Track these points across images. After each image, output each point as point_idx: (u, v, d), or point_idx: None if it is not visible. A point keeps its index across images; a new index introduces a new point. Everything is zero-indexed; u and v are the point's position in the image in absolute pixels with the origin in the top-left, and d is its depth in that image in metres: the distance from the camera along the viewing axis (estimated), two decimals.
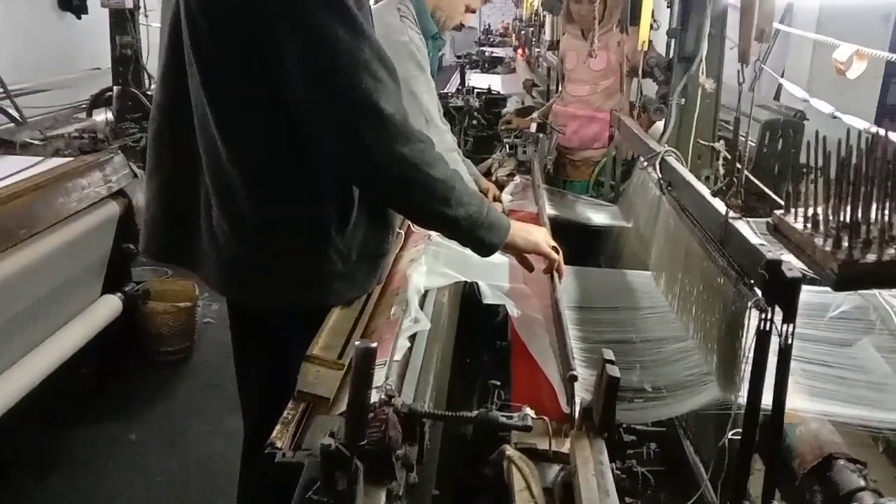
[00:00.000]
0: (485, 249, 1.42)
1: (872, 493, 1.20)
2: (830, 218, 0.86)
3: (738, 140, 1.24)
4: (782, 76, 6.89)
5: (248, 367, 1.55)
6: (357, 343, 0.89)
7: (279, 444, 1.09)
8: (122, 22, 4.06)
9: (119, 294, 2.99)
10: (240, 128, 1.30)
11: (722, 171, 2.84)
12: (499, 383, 1.10)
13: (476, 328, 1.77)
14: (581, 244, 2.28)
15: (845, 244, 0.82)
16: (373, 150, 1.23)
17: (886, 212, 0.85)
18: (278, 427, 1.13)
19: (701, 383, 1.31)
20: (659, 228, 1.83)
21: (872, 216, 0.85)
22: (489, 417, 1.05)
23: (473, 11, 2.40)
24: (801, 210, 0.94)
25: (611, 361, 1.04)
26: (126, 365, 3.21)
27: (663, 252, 1.76)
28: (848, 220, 0.83)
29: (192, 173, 1.40)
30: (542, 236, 1.52)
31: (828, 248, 0.82)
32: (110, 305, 2.94)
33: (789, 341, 1.08)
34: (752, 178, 2.09)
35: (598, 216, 2.41)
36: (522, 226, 1.50)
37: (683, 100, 2.77)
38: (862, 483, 1.23)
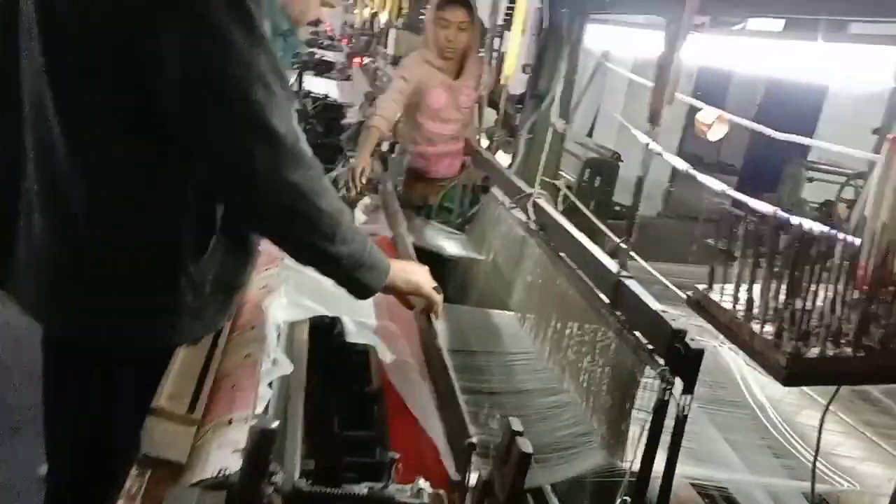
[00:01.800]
0: (363, 291, 1.29)
1: None
2: (768, 303, 0.84)
3: (638, 199, 1.23)
4: (596, 117, 7.37)
5: (60, 415, 1.28)
6: (252, 423, 0.72)
7: None
8: None
9: None
10: (90, 127, 1.07)
11: (561, 207, 2.93)
12: (397, 456, 0.98)
13: (330, 367, 1.61)
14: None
15: (785, 333, 0.80)
16: (259, 174, 1.06)
17: (809, 298, 0.84)
18: (121, 503, 0.92)
19: (580, 446, 1.27)
20: (525, 269, 1.80)
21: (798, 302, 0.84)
22: (384, 497, 0.92)
23: (332, 6, 2.24)
24: (724, 287, 0.92)
25: (519, 433, 0.96)
26: None
27: (531, 294, 1.73)
28: (787, 307, 0.81)
29: (10, 171, 1.14)
30: (423, 277, 1.42)
31: (769, 338, 0.79)
32: None
33: (686, 412, 1.07)
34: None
35: (451, 245, 2.35)
36: (402, 266, 1.39)
37: (531, 136, 2.82)
38: None
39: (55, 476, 1.32)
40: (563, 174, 4.20)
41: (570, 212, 2.81)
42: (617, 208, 4.73)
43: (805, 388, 1.65)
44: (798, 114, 6.36)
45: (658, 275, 1.59)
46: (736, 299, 0.88)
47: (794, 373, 0.76)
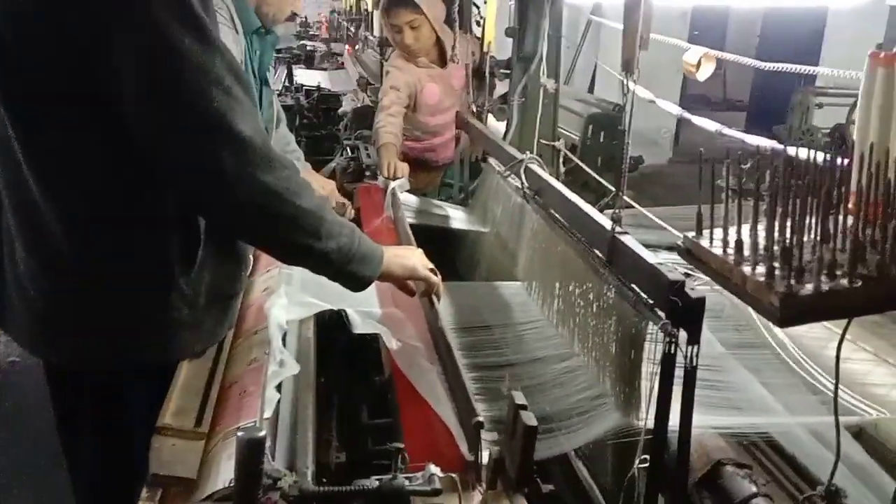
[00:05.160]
0: (358, 283, 1.27)
1: (766, 499, 1.20)
2: (758, 243, 0.80)
3: (625, 156, 1.19)
4: (595, 69, 7.25)
5: (75, 445, 1.29)
6: (239, 433, 0.71)
7: None
8: None
9: None
10: (56, 153, 1.06)
11: (563, 168, 2.88)
12: (402, 446, 0.97)
13: (340, 361, 1.60)
14: (436, 251, 2.19)
15: (777, 272, 0.76)
16: (231, 180, 1.04)
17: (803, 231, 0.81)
18: None
19: (596, 408, 1.25)
20: (526, 237, 1.77)
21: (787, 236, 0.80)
22: (394, 487, 0.91)
23: None
24: (715, 233, 0.89)
25: (523, 406, 0.94)
26: None
27: (534, 262, 1.70)
28: (778, 245, 0.78)
29: None
30: (418, 260, 1.40)
31: (761, 279, 0.76)
32: None
33: (695, 363, 1.04)
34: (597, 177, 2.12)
35: (456, 218, 2.33)
36: (396, 251, 1.37)
37: (524, 99, 2.76)
38: (754, 489, 1.23)
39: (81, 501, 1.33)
40: (568, 133, 4.14)
41: (577, 171, 2.76)
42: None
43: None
44: (800, 40, 6.21)
45: (657, 219, 1.55)
46: (726, 243, 0.85)
47: (789, 314, 0.73)
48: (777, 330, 1.62)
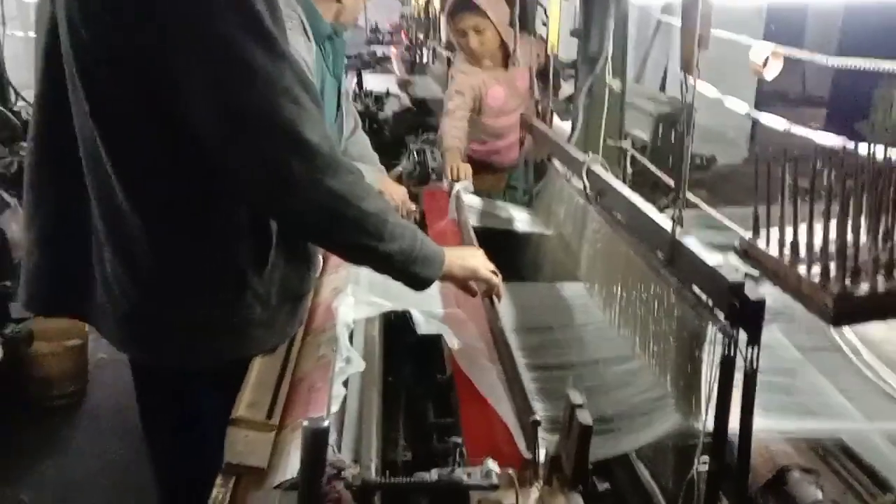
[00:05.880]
0: (420, 284, 1.31)
1: None
2: (814, 244, 0.80)
3: (686, 157, 1.19)
4: (667, 67, 7.11)
5: (157, 435, 1.38)
6: (305, 423, 0.76)
7: None
8: None
9: None
10: (138, 163, 1.14)
11: (630, 169, 2.86)
12: (460, 441, 1.00)
13: (405, 359, 1.65)
14: (500, 253, 2.21)
15: (832, 272, 0.76)
16: (298, 185, 1.10)
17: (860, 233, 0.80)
18: None
19: (657, 409, 1.25)
20: (588, 238, 1.78)
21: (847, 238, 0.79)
22: (453, 480, 0.94)
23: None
24: (771, 232, 0.89)
25: (579, 406, 0.96)
26: (10, 415, 2.89)
27: (595, 263, 1.71)
28: (834, 246, 0.77)
29: (79, 216, 1.22)
30: (479, 261, 1.43)
31: (816, 280, 0.76)
32: None
33: (755, 366, 1.04)
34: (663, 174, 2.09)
35: (520, 220, 2.35)
36: (458, 253, 1.40)
37: (590, 100, 2.76)
38: (820, 495, 1.21)
39: (162, 491, 1.42)
40: (638, 133, 4.09)
41: (647, 171, 2.74)
42: (697, 161, 4.55)
43: None
44: (885, 33, 5.93)
45: (725, 220, 1.54)
46: (782, 243, 0.85)
47: (842, 312, 0.72)
48: (849, 334, 1.57)
